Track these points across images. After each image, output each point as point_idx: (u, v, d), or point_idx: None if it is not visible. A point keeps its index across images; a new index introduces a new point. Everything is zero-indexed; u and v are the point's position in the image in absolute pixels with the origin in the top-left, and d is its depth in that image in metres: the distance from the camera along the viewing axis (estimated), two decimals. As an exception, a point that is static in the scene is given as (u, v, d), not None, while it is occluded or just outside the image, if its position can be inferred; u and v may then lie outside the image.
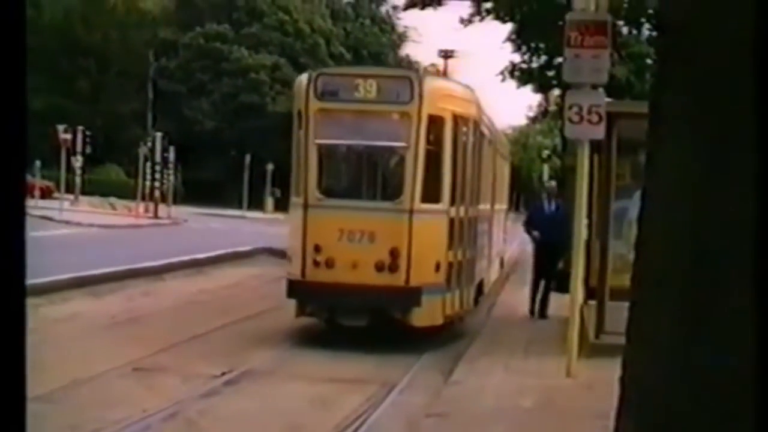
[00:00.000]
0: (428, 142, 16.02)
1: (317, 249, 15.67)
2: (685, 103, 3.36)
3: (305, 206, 15.96)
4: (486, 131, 20.34)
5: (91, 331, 16.02)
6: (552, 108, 40.50)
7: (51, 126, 50.44)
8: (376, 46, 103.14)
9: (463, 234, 17.22)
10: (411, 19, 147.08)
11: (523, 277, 28.76)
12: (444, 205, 16.32)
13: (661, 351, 3.34)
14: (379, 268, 15.56)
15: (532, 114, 68.07)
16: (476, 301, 19.59)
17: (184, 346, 14.90)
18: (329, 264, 15.64)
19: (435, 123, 16.15)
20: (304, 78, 16.94)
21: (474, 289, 19.08)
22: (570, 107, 12.35)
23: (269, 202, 78.77)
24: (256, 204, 74.85)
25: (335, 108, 16.44)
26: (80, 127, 56.59)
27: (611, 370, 3.90)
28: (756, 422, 3.03)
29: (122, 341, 15.13)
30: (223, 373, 12.92)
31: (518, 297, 23.01)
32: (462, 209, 17.10)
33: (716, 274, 3.18)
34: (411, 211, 15.73)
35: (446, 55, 46.28)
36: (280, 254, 33.20)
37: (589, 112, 12.20)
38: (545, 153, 55.47)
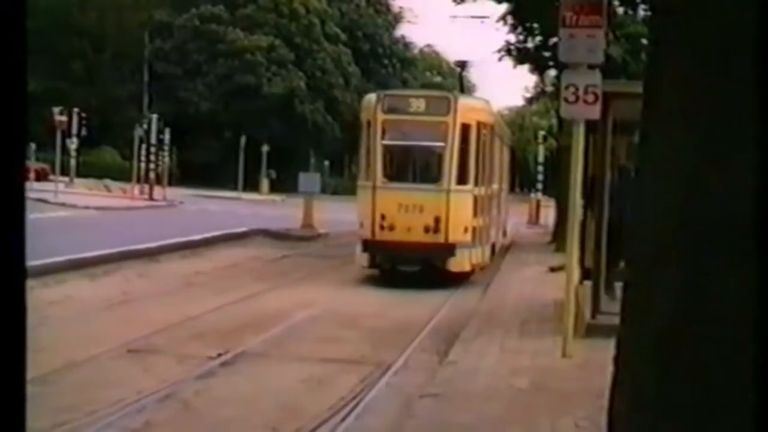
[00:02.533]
0: (460, 142, 22.50)
1: (383, 217, 22.10)
2: (679, 84, 3.33)
3: (374, 188, 22.42)
4: (497, 130, 27.79)
5: (86, 313, 16.01)
6: (548, 88, 40.51)
7: (46, 108, 50.31)
8: (371, 27, 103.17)
9: (482, 207, 24.13)
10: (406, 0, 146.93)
11: (518, 258, 28.82)
12: (470, 186, 22.88)
13: (656, 331, 3.32)
14: (427, 230, 21.96)
15: (528, 95, 68.31)
16: (491, 258, 26.29)
17: (179, 328, 14.90)
18: (391, 228, 22.02)
19: (464, 129, 22.74)
20: (372, 97, 24.15)
21: (489, 248, 26.11)
22: (566, 87, 12.33)
23: (265, 183, 78.84)
24: (252, 185, 74.92)
25: (395, 119, 23.16)
26: (75, 109, 56.46)
27: (607, 351, 3.88)
28: (755, 404, 3.00)
29: (117, 323, 15.13)
30: (219, 355, 12.93)
31: (515, 277, 23.03)
32: (482, 189, 23.99)
33: (711, 255, 3.16)
34: (448, 191, 22.28)
35: (461, 64, 50.09)
36: (275, 236, 33.38)
37: (585, 92, 12.18)
38: (541, 134, 55.41)
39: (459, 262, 22.24)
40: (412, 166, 23.82)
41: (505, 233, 34.06)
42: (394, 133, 23.21)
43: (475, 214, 23.03)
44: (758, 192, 3.00)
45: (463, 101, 24.23)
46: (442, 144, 22.57)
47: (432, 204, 22.14)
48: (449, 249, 22.02)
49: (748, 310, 3.02)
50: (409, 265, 21.99)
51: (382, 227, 22.03)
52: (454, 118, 22.56)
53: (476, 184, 23.23)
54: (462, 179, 22.58)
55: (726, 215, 3.11)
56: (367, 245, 22.32)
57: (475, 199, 23.15)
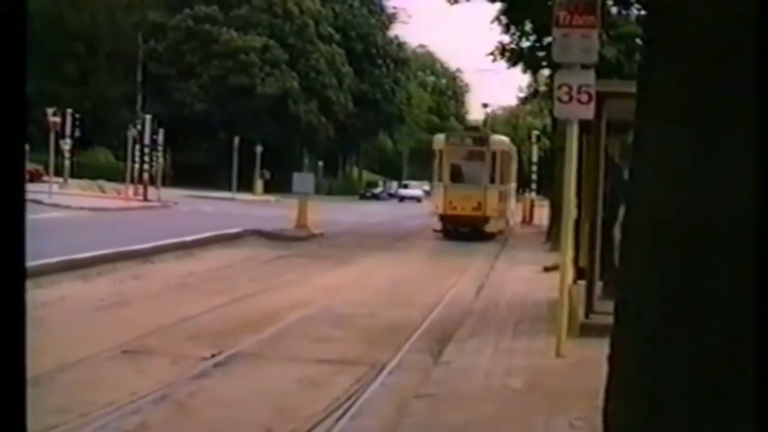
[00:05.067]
0: (491, 161, 40.19)
1: (450, 202, 39.07)
2: (673, 83, 3.34)
3: (445, 186, 39.85)
4: (511, 154, 45.63)
5: (79, 314, 15.97)
6: (541, 88, 40.58)
7: (40, 109, 50.15)
8: (364, 27, 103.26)
9: (502, 197, 41.60)
10: (399, 0, 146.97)
11: (512, 258, 28.83)
12: (496, 185, 40.28)
13: (649, 331, 3.33)
14: (474, 209, 38.77)
15: (522, 95, 68.88)
16: (506, 227, 43.80)
17: (174, 329, 14.87)
18: (454, 208, 38.95)
19: (493, 154, 40.71)
20: (442, 136, 43.92)
21: (505, 221, 43.86)
22: (559, 87, 12.32)
23: (259, 183, 78.83)
24: (246, 186, 74.93)
25: (456, 149, 41.67)
26: (69, 110, 56.41)
27: (601, 350, 3.88)
28: (755, 404, 3.00)
29: (111, 324, 15.10)
30: (213, 355, 12.91)
31: (508, 277, 23.06)
32: (502, 187, 41.39)
33: (709, 254, 3.16)
34: (485, 187, 39.47)
35: (485, 104, 73.05)
36: (269, 236, 33.37)
37: (579, 92, 12.18)
38: (535, 134, 55.53)
39: (491, 227, 39.76)
40: (465, 174, 40.81)
41: (513, 214, 48.64)
42: (455, 157, 41.46)
43: (499, 201, 40.95)
44: (757, 191, 3.00)
45: (493, 137, 44.34)
46: (481, 162, 40.39)
47: (476, 195, 39.43)
48: (486, 219, 39.52)
49: (747, 309, 3.02)
50: (463, 228, 38.76)
51: (449, 207, 39.39)
52: (488, 148, 41.12)
53: (500, 184, 41.03)
54: (492, 181, 40.28)
55: (724, 214, 3.12)
56: (441, 217, 39.77)
57: (499, 193, 41.17)
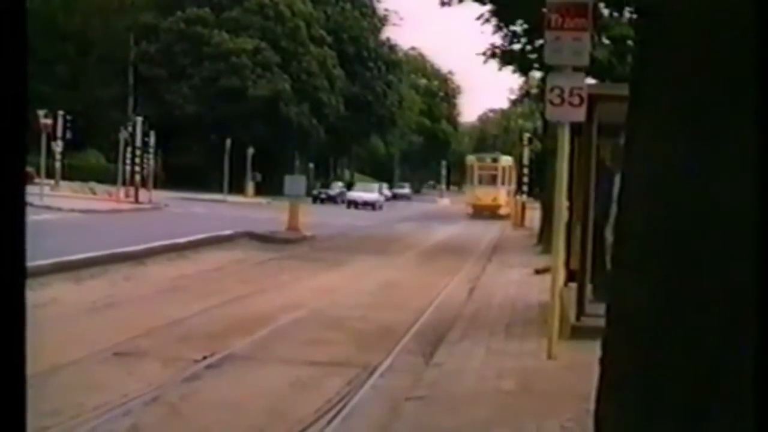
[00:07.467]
0: (501, 173, 75.82)
1: (477, 196, 74.39)
2: (665, 85, 3.35)
3: (474, 187, 76.22)
4: (512, 166, 74.93)
5: (71, 316, 15.93)
6: (533, 90, 40.56)
7: (31, 111, 49.72)
8: (356, 30, 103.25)
9: (508, 194, 71.20)
10: (391, 2, 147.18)
11: (503, 260, 28.84)
12: (505, 186, 74.15)
13: (642, 333, 3.34)
14: (492, 200, 72.58)
15: (513, 97, 71.92)
16: (510, 213, 61.01)
17: (165, 331, 14.86)
18: (480, 200, 73.54)
19: (503, 168, 76.48)
20: (473, 157, 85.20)
21: (510, 209, 61.44)
22: (551, 89, 12.34)
23: (250, 186, 78.76)
24: (237, 188, 74.85)
25: (481, 164, 78.10)
26: (60, 112, 56.29)
27: (592, 353, 3.89)
28: (754, 405, 3.01)
29: (103, 326, 15.09)
30: (204, 357, 12.89)
31: (500, 280, 23.08)
32: (508, 187, 73.23)
33: (699, 258, 3.17)
34: (498, 187, 74.61)
35: (483, 134, 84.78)
36: (261, 238, 33.36)
37: (570, 95, 12.19)
38: (526, 136, 55.63)
39: (502, 211, 66.27)
40: (487, 180, 74.60)
41: (511, 206, 63.03)
42: (480, 169, 76.14)
43: (507, 195, 69.99)
44: (754, 193, 3.00)
45: (503, 158, 78.17)
46: (495, 173, 74.99)
47: (493, 192, 73.21)
48: (499, 207, 69.28)
49: (743, 312, 3.02)
50: (485, 214, 66.93)
51: (477, 200, 73.32)
52: (501, 164, 76.24)
53: (507, 185, 72.16)
54: (503, 183, 73.35)
55: (719, 216, 3.12)
56: (473, 206, 72.20)
57: (507, 191, 71.34)
